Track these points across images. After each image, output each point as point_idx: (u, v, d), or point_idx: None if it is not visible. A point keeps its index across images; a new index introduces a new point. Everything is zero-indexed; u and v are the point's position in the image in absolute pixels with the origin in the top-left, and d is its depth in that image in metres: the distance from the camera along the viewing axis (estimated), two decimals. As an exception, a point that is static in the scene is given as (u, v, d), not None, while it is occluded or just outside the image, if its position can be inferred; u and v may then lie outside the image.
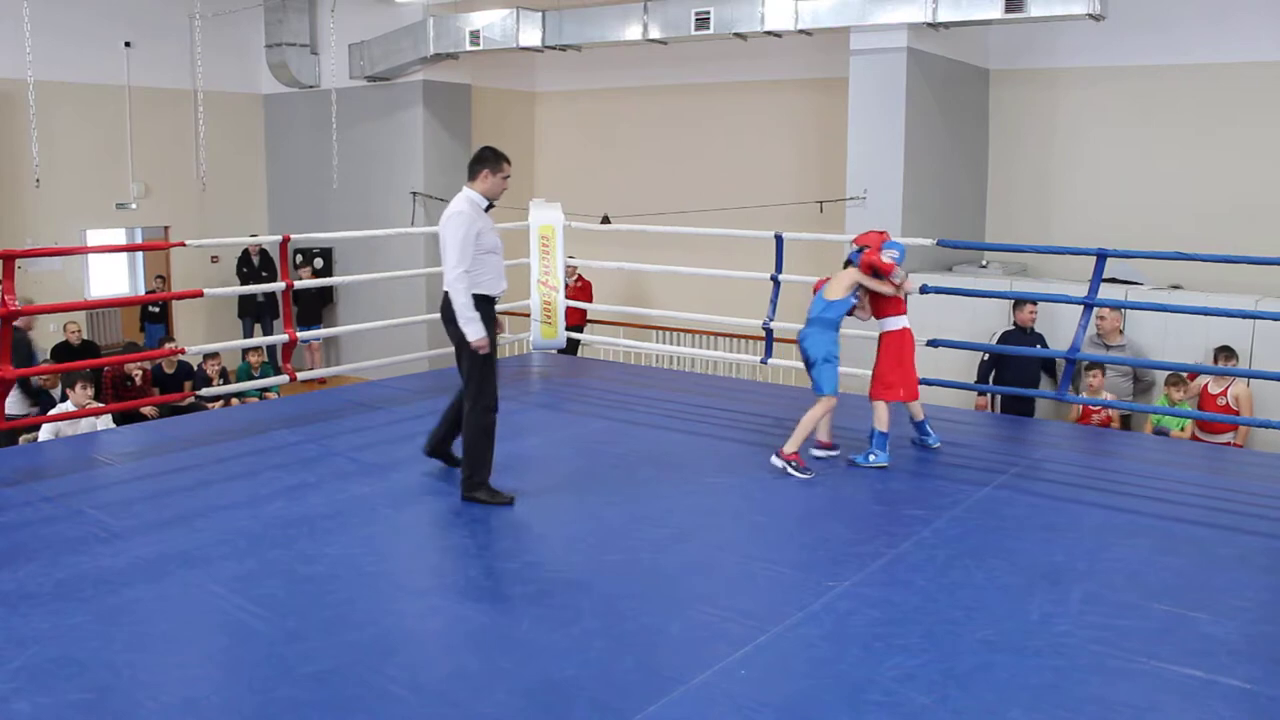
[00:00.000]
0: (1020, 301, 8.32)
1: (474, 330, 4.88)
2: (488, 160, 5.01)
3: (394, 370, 8.62)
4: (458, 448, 5.23)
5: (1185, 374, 7.59)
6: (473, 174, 5.02)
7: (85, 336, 12.07)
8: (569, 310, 10.31)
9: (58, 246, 10.87)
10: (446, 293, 4.96)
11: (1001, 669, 3.41)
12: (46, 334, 12.17)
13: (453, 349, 5.10)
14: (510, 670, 3.42)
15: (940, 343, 6.88)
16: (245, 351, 11.08)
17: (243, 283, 13.36)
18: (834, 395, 5.60)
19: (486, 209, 5.04)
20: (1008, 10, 8.76)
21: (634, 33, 10.91)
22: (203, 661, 3.51)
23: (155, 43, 13.39)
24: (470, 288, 4.86)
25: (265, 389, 9.74)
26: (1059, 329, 8.35)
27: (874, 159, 9.67)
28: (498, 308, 5.21)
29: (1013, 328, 8.47)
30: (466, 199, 4.98)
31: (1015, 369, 8.02)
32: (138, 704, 3.19)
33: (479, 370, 4.96)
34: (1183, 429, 7.48)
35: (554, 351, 8.82)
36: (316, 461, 5.76)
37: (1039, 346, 8.14)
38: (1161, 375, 8.00)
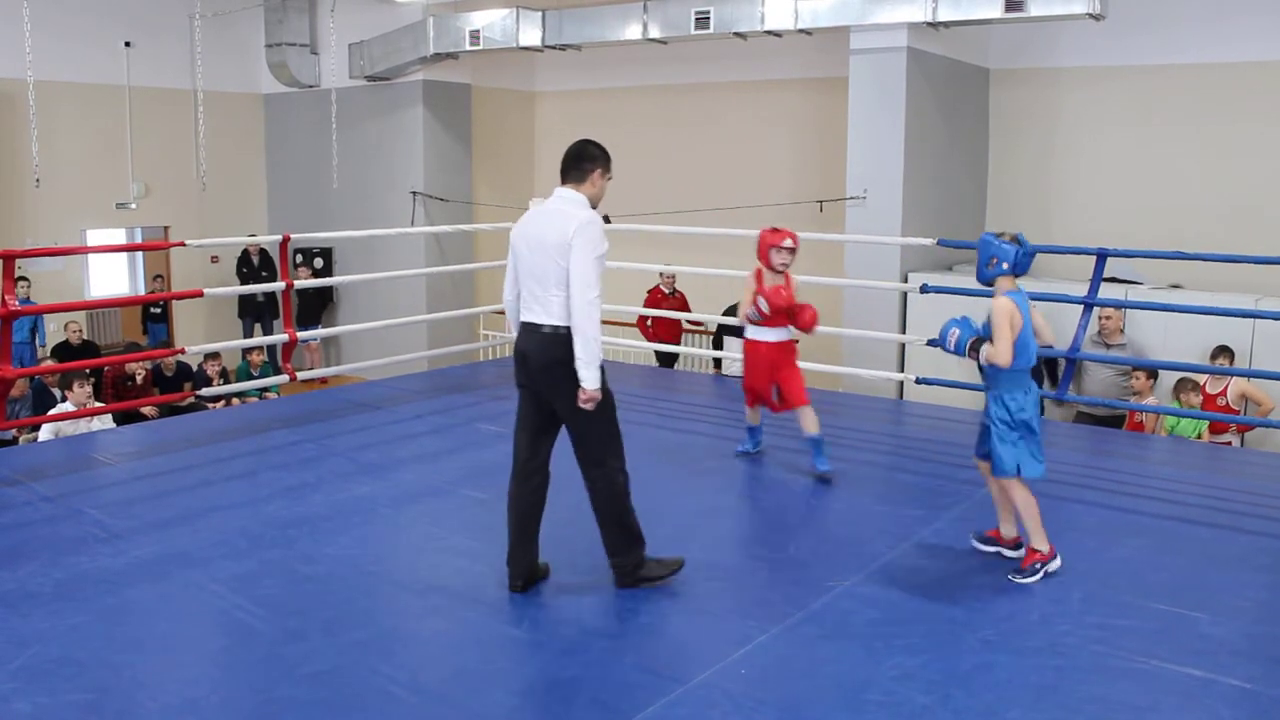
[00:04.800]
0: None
1: (593, 376, 3.77)
2: (600, 158, 4.00)
3: (394, 370, 8.62)
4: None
5: (1199, 379, 7.58)
6: (580, 173, 3.98)
7: (85, 336, 12.08)
8: (661, 323, 10.23)
9: (58, 246, 10.86)
10: (537, 328, 3.88)
11: (1001, 669, 3.41)
12: (47, 334, 12.18)
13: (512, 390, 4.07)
14: (510, 670, 3.43)
15: (939, 343, 6.87)
16: (245, 351, 11.09)
17: (243, 283, 13.35)
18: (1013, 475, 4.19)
19: None
20: (1008, 10, 8.76)
21: (634, 32, 10.90)
22: (203, 661, 3.51)
23: (155, 43, 13.39)
24: (599, 318, 3.83)
25: (265, 389, 9.74)
26: (1064, 330, 8.33)
27: (874, 159, 9.66)
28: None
29: None
30: (583, 203, 3.96)
31: None
32: (138, 704, 3.19)
33: (602, 422, 3.89)
34: (1199, 435, 7.46)
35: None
36: (316, 461, 5.76)
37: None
38: (1163, 372, 8.00)
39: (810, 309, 5.52)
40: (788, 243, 5.47)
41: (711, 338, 10.39)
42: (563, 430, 3.99)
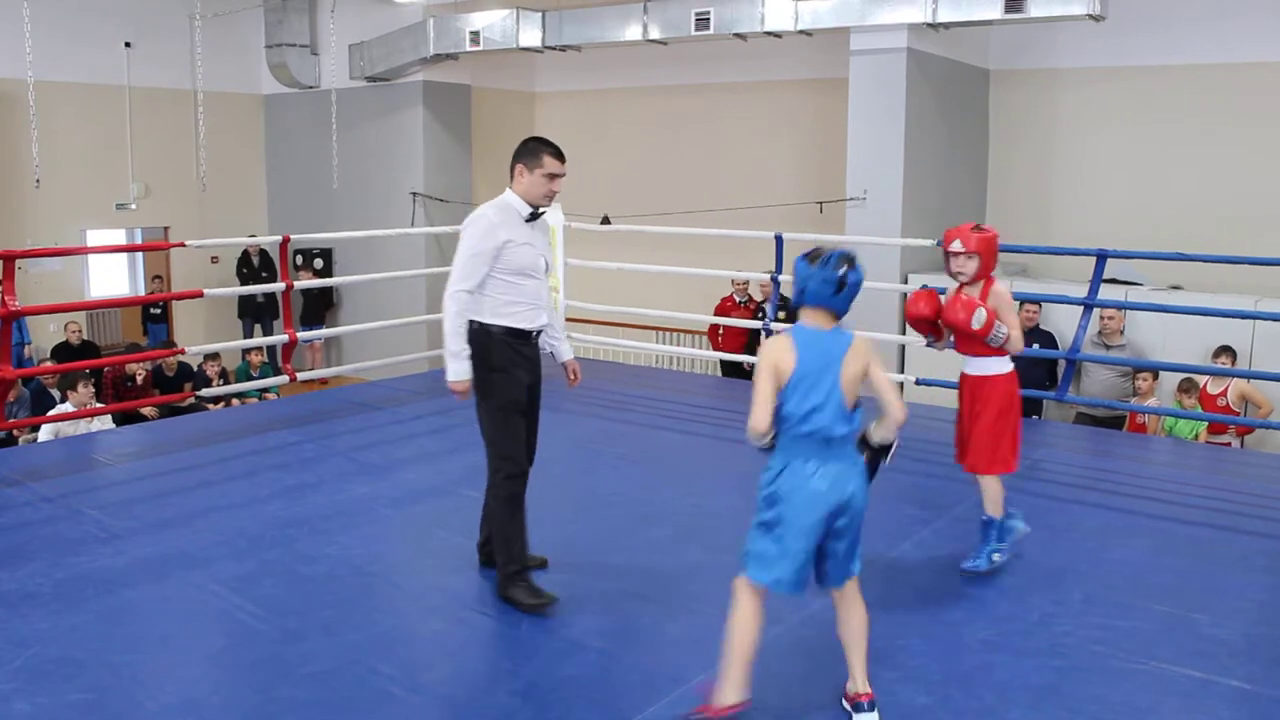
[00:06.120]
0: (1020, 304, 8.32)
1: (452, 368, 3.83)
2: (523, 153, 3.92)
3: (394, 370, 8.62)
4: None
5: (1199, 380, 7.60)
6: (511, 171, 3.96)
7: (85, 337, 12.08)
8: (730, 333, 9.89)
9: (58, 246, 10.87)
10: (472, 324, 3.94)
11: (1001, 669, 3.41)
12: (47, 334, 12.18)
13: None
14: (510, 670, 3.43)
15: None
16: (245, 352, 11.09)
17: (242, 283, 13.36)
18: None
19: (530, 217, 3.93)
20: (1008, 10, 8.77)
21: (634, 33, 10.91)
22: (203, 661, 3.51)
23: (155, 43, 13.39)
24: (463, 312, 3.82)
25: (265, 389, 9.74)
26: (1065, 331, 8.34)
27: (874, 159, 9.67)
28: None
29: None
30: (496, 204, 3.96)
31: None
32: (138, 704, 3.19)
33: (496, 424, 3.91)
34: (1196, 436, 7.47)
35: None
36: (316, 461, 5.76)
37: (1044, 348, 8.14)
38: (1163, 372, 8.00)
39: (956, 307, 4.02)
40: (954, 244, 4.09)
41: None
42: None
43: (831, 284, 3.01)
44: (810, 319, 3.06)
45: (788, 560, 2.98)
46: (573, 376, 4.36)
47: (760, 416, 2.95)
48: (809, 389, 2.94)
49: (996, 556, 4.09)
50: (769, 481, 3.01)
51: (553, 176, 3.90)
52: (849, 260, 3.05)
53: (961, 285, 4.12)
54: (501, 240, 3.82)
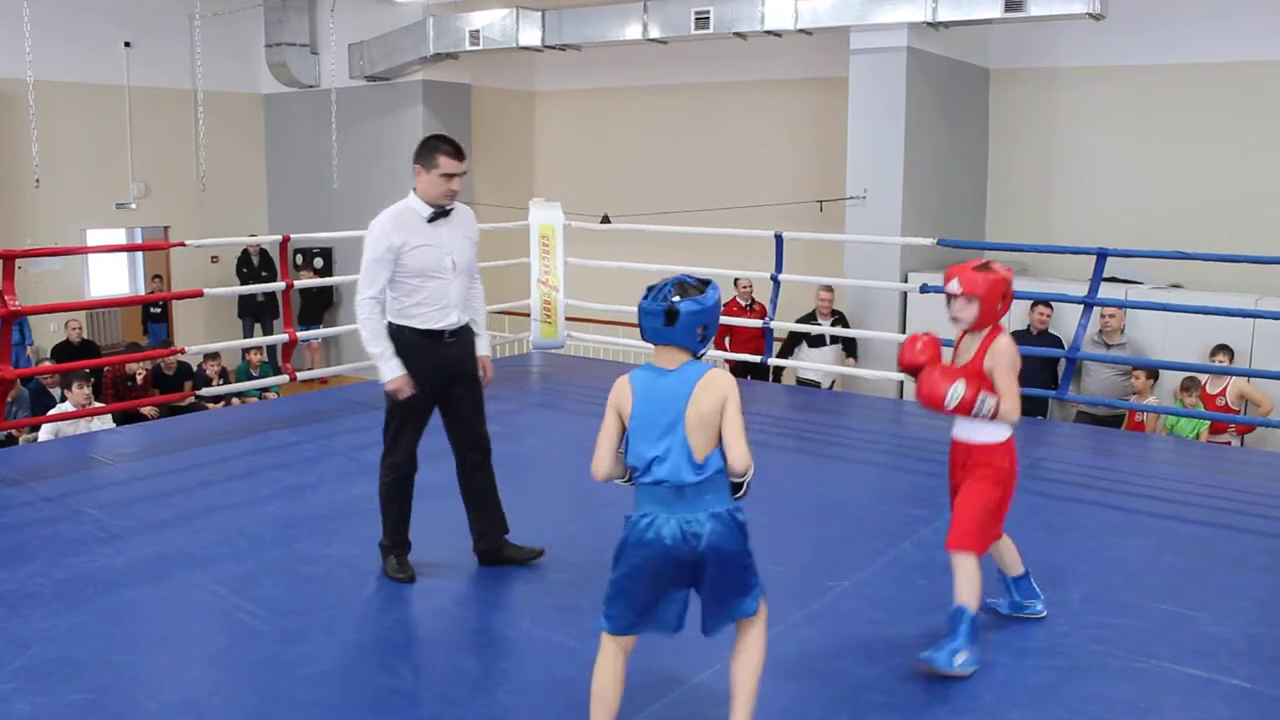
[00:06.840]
0: (1035, 304, 8.32)
1: (382, 369, 3.94)
2: (420, 153, 3.90)
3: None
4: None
5: (1200, 379, 7.60)
6: (413, 171, 3.95)
7: (85, 336, 12.08)
8: (738, 337, 9.37)
9: (58, 246, 10.87)
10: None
11: (1001, 669, 3.41)
12: (47, 333, 12.18)
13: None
14: (510, 670, 3.43)
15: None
16: (245, 351, 11.09)
17: (242, 283, 13.35)
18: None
19: (432, 218, 3.91)
20: (1008, 10, 8.76)
21: (634, 32, 10.91)
22: (203, 661, 3.51)
23: (155, 43, 13.39)
24: (373, 316, 3.98)
25: (265, 389, 9.74)
26: (1066, 330, 8.34)
27: (874, 159, 9.67)
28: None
29: (1022, 329, 8.47)
30: (394, 208, 3.96)
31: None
32: (138, 704, 3.19)
33: (394, 423, 4.06)
34: (1198, 435, 7.47)
35: (555, 350, 8.78)
36: (316, 461, 5.76)
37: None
38: (1165, 371, 8.00)
39: (925, 371, 3.46)
40: (951, 285, 3.42)
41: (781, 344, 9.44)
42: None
43: (658, 316, 2.69)
44: (657, 357, 2.78)
45: (630, 609, 2.82)
46: (482, 373, 4.25)
47: (597, 460, 2.86)
48: (649, 438, 2.73)
49: (960, 658, 3.26)
50: (623, 529, 2.83)
51: (449, 176, 3.86)
52: (684, 288, 2.70)
53: (962, 334, 3.49)
54: (396, 244, 3.86)
